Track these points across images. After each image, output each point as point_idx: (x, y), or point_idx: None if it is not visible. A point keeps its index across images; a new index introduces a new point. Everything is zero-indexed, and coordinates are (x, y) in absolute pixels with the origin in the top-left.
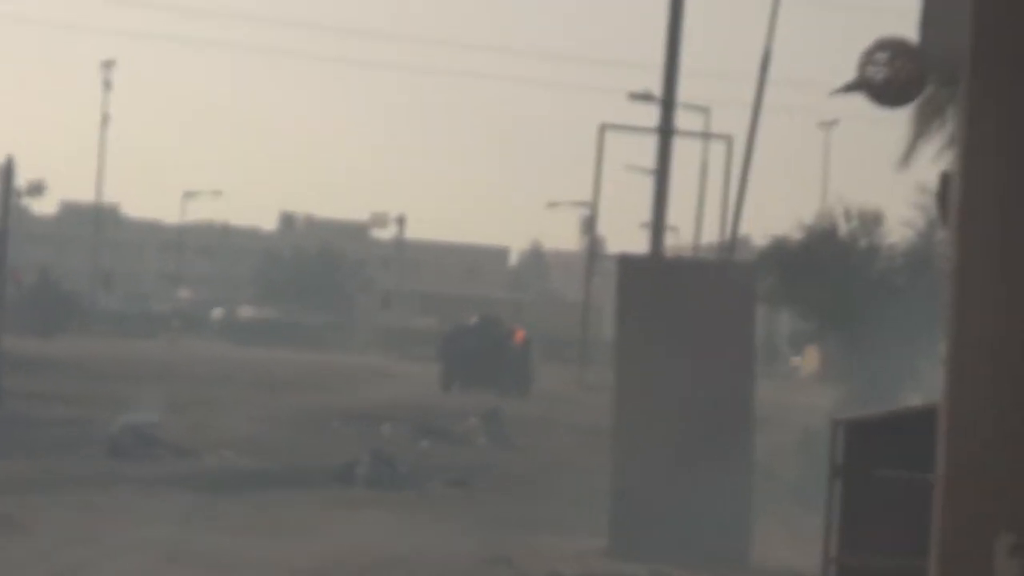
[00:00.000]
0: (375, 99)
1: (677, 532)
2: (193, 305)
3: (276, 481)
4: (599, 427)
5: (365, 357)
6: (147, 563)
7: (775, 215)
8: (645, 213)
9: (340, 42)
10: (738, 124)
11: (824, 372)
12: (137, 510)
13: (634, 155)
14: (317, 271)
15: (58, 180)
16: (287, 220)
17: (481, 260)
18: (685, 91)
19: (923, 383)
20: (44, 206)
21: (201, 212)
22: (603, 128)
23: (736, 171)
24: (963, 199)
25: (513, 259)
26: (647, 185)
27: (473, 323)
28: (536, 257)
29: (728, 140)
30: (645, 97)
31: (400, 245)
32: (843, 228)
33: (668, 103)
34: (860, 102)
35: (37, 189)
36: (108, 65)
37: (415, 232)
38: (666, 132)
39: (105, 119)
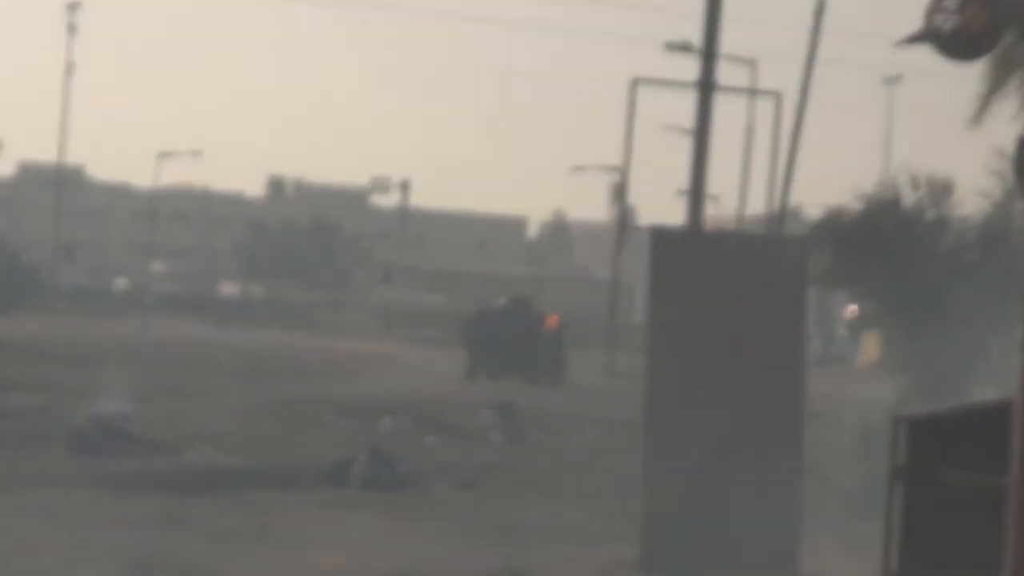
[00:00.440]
0: (376, 47)
1: (716, 541)
2: (170, 280)
3: (261, 481)
4: (628, 421)
5: (363, 341)
6: (113, 573)
7: (830, 183)
8: (683, 179)
9: None
10: (789, 79)
11: (885, 361)
12: (103, 513)
13: (670, 113)
14: (309, 243)
15: (14, 137)
16: (275, 185)
17: (495, 232)
18: (728, 41)
19: (997, 374)
20: None
21: (177, 175)
22: (635, 82)
23: (786, 133)
24: None
25: (532, 231)
26: (685, 147)
27: (500, 305)
28: (558, 229)
29: (777, 97)
30: (683, 47)
31: (403, 215)
32: (908, 198)
33: (709, 54)
34: (927, 55)
35: None
36: (73, 7)
37: (420, 200)
38: (706, 87)
39: (69, 67)
